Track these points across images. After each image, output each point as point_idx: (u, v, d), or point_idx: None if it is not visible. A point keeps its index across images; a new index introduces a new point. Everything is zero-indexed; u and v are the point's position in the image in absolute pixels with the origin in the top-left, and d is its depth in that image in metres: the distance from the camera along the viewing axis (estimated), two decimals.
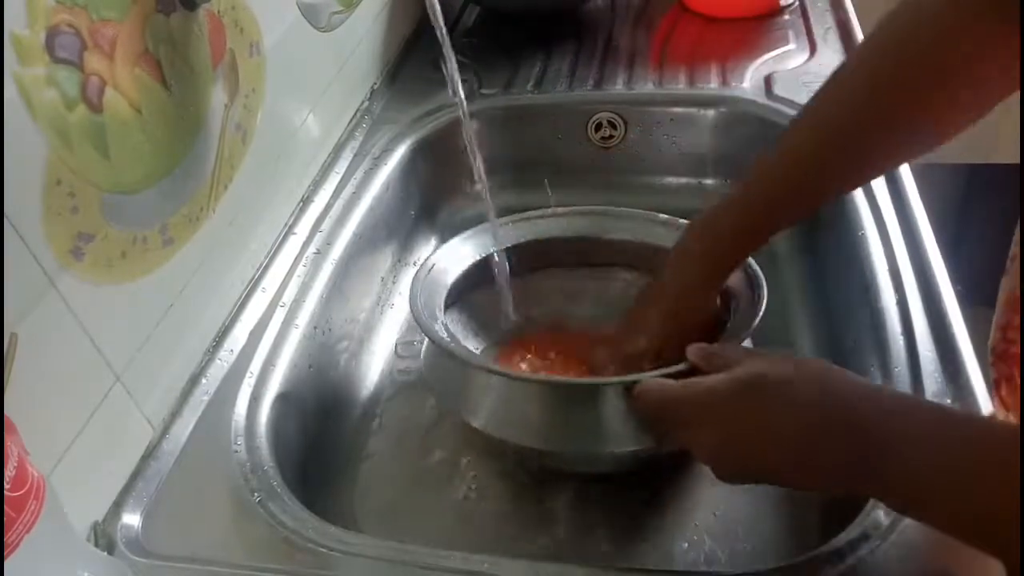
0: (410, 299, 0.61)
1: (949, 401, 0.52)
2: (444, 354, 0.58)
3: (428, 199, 0.88)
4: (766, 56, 0.90)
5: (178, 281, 0.58)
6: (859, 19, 0.95)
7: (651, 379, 0.51)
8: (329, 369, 0.68)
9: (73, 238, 0.48)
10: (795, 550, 0.54)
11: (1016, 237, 0.51)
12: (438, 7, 0.59)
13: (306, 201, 0.76)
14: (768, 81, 0.86)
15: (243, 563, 0.49)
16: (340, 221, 0.74)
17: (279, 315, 0.65)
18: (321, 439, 0.64)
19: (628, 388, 0.52)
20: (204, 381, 0.60)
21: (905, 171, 0.71)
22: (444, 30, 0.59)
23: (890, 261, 0.63)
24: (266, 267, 0.69)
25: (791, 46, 0.92)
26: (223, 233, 0.63)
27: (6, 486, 0.37)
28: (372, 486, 0.64)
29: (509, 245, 0.68)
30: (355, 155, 0.83)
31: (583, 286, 0.71)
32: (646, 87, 0.88)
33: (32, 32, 0.44)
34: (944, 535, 0.39)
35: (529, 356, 0.66)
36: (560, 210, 0.71)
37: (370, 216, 0.77)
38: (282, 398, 0.60)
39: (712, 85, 0.87)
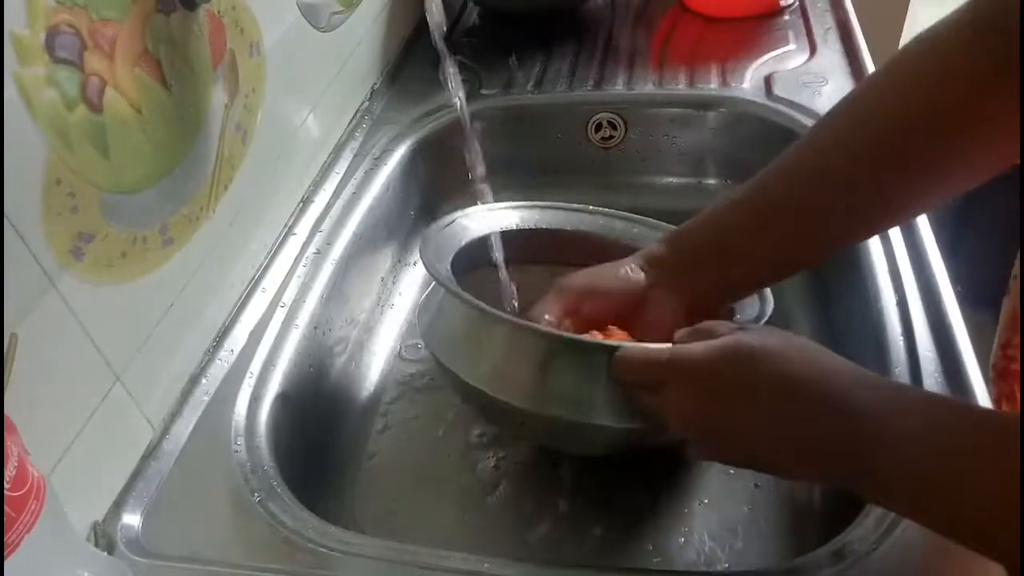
0: (421, 246, 0.59)
1: None
2: (444, 301, 0.56)
3: (428, 199, 0.88)
4: (766, 56, 0.90)
5: (178, 281, 0.58)
6: (859, 19, 0.95)
7: (633, 344, 0.49)
8: (329, 369, 0.68)
9: (73, 238, 0.48)
10: (795, 550, 0.54)
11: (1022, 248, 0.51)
12: (437, 12, 0.59)
13: (306, 201, 0.76)
14: (768, 81, 0.86)
15: (243, 563, 0.49)
16: (340, 221, 0.74)
17: (279, 315, 0.65)
18: (321, 439, 0.64)
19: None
20: (204, 381, 0.60)
21: None
22: (443, 43, 0.59)
23: (890, 261, 0.63)
24: (266, 267, 0.69)
25: (791, 46, 0.92)
26: (223, 233, 0.63)
27: (6, 486, 0.37)
28: (372, 486, 0.64)
29: (535, 228, 0.67)
30: (355, 155, 0.83)
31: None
32: (646, 87, 0.88)
33: (32, 32, 0.44)
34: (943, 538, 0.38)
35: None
36: (591, 208, 0.70)
37: (370, 216, 0.77)
38: (282, 398, 0.60)
39: (712, 85, 0.87)
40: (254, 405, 0.58)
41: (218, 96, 0.62)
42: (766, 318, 0.56)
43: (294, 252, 0.71)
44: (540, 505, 0.60)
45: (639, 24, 1.02)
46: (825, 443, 0.40)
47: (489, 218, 0.67)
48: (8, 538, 0.37)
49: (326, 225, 0.74)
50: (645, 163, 0.89)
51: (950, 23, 0.46)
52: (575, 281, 0.58)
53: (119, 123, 0.51)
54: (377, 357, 0.75)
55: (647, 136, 0.88)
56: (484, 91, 0.90)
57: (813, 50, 0.91)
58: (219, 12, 0.61)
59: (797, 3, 1.00)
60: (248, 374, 0.60)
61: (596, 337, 0.55)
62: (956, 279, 0.60)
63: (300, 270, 0.69)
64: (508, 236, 0.67)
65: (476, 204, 0.67)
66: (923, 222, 0.65)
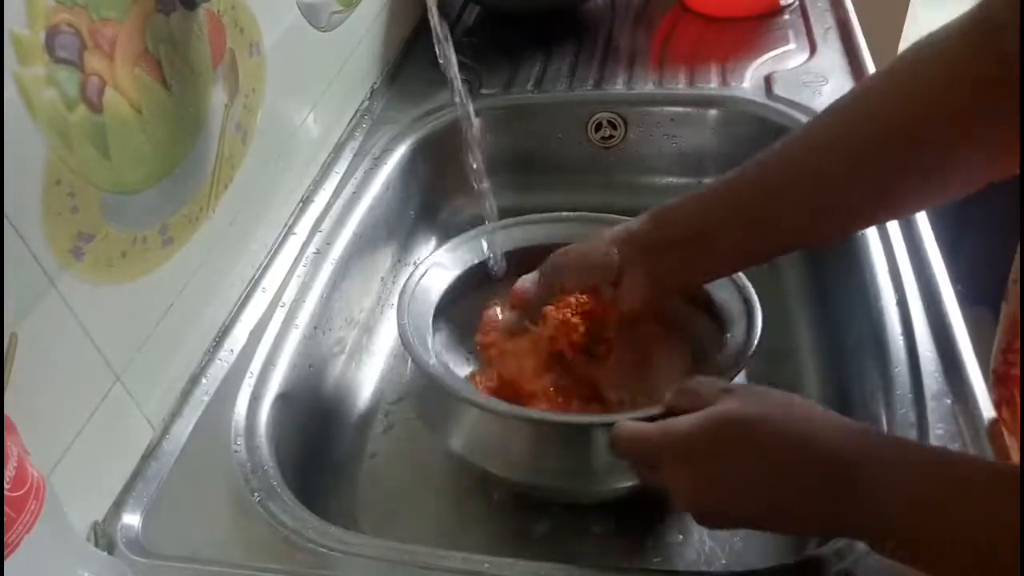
0: (397, 315, 0.59)
1: (949, 402, 0.52)
2: (428, 379, 0.57)
3: (428, 199, 0.88)
4: (766, 56, 0.90)
5: (178, 281, 0.58)
6: (859, 19, 0.95)
7: (625, 422, 0.49)
8: (329, 369, 0.68)
9: (73, 238, 0.48)
10: (795, 550, 0.54)
11: (1020, 251, 0.51)
12: (436, 13, 0.59)
13: (306, 201, 0.76)
14: (768, 81, 0.86)
15: (243, 563, 0.49)
16: (340, 221, 0.74)
17: (279, 315, 0.65)
18: (321, 439, 0.64)
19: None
20: (204, 381, 0.60)
21: None
22: (449, 42, 0.59)
23: (890, 261, 0.63)
24: (266, 267, 0.69)
25: (791, 46, 0.92)
26: (223, 233, 0.63)
27: (6, 486, 0.37)
28: (372, 486, 0.64)
29: (499, 252, 0.67)
30: (355, 155, 0.83)
31: None
32: (646, 87, 0.88)
33: (32, 32, 0.44)
34: None
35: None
36: (553, 215, 0.70)
37: (370, 216, 0.77)
38: (282, 398, 0.60)
39: (712, 85, 0.87)
40: (254, 405, 0.58)
41: (218, 96, 0.62)
42: (754, 346, 0.56)
43: (294, 252, 0.71)
44: (540, 504, 0.60)
45: (639, 24, 1.02)
46: (820, 501, 0.41)
47: (454, 256, 0.67)
48: (8, 538, 0.37)
49: (326, 225, 0.74)
50: (645, 163, 0.89)
51: (956, 28, 0.45)
52: (558, 259, 0.60)
53: (119, 123, 0.51)
54: (377, 357, 0.75)
55: (647, 136, 0.88)
56: (484, 91, 0.90)
57: (813, 50, 0.91)
58: (219, 12, 0.61)
59: (797, 3, 1.00)
60: (248, 374, 0.60)
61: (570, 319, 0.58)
62: (956, 279, 0.60)
63: (300, 270, 0.69)
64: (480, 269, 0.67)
65: (475, 204, 0.67)
66: (923, 222, 0.65)
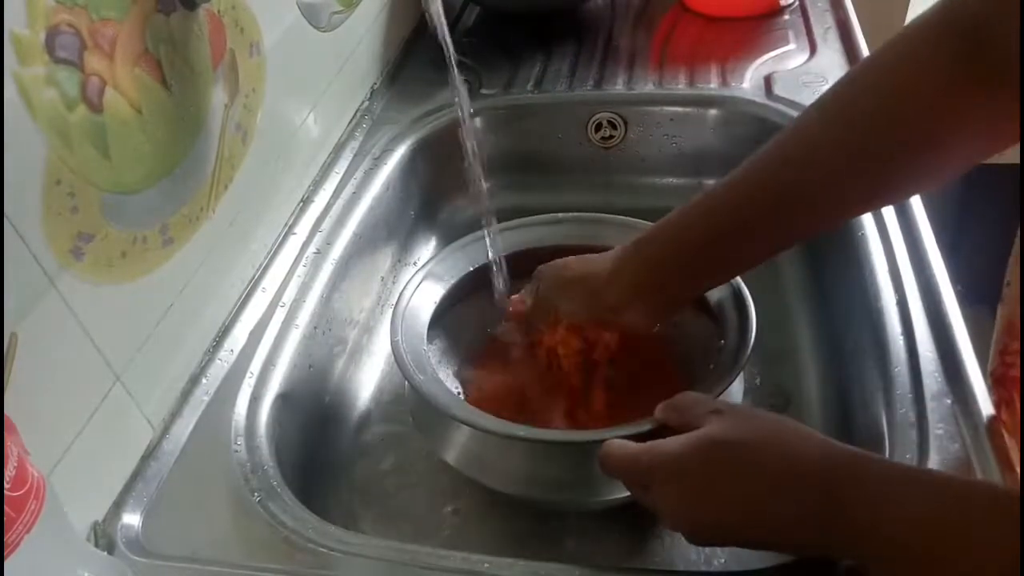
0: (391, 332, 0.59)
1: (949, 402, 0.52)
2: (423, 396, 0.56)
3: (428, 199, 0.88)
4: (766, 56, 0.90)
5: (178, 281, 0.58)
6: (859, 19, 0.95)
7: (613, 441, 0.49)
8: (329, 369, 0.68)
9: (73, 238, 0.48)
10: None
11: (1012, 255, 0.51)
12: (441, 12, 0.58)
13: (306, 201, 0.76)
14: (768, 81, 0.86)
15: (243, 563, 0.49)
16: (340, 221, 0.74)
17: (279, 315, 0.65)
18: (321, 439, 0.64)
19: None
20: (204, 381, 0.60)
21: None
22: (450, 47, 0.59)
23: (890, 261, 0.63)
24: (266, 267, 0.69)
25: (791, 46, 0.92)
26: (223, 233, 0.63)
27: (6, 486, 0.37)
28: (372, 486, 0.64)
29: (496, 257, 0.66)
30: (355, 155, 0.83)
31: None
32: (646, 87, 0.88)
33: (32, 32, 0.44)
34: None
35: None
36: (550, 216, 0.70)
37: (370, 216, 0.77)
38: (282, 398, 0.60)
39: (712, 85, 0.87)
40: (254, 405, 0.58)
41: (218, 96, 0.62)
42: (749, 351, 0.55)
43: (294, 252, 0.71)
44: (540, 505, 0.60)
45: (639, 24, 1.02)
46: (811, 523, 0.41)
47: (449, 264, 0.67)
48: (8, 538, 0.37)
49: (326, 225, 0.74)
50: (645, 163, 0.89)
51: (919, 23, 0.46)
52: (555, 281, 0.61)
53: (119, 123, 0.51)
54: (377, 357, 0.75)
55: (647, 136, 0.88)
56: (484, 91, 0.90)
57: (813, 50, 0.91)
58: (219, 12, 0.61)
59: (797, 3, 1.00)
60: (248, 374, 0.60)
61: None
62: (956, 279, 0.60)
63: (300, 270, 0.69)
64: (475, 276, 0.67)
65: (475, 205, 0.67)
66: (923, 222, 0.65)
